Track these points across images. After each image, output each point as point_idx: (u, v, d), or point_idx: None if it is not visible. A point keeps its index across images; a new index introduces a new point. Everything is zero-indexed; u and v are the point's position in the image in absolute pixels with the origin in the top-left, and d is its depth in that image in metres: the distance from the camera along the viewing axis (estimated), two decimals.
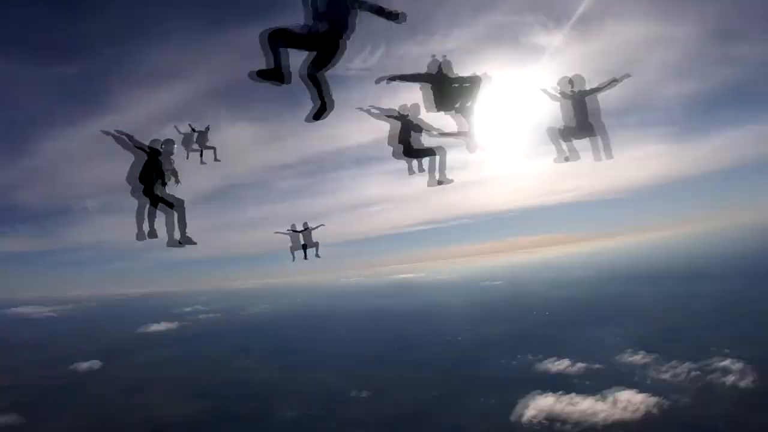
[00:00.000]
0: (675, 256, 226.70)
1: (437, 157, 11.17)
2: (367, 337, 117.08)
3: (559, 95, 10.75)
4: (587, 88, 10.41)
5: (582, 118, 10.44)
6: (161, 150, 10.52)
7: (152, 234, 10.49)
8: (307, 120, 8.23)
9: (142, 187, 10.10)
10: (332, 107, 8.07)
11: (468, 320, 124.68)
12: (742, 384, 64.59)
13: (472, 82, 9.70)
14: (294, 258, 21.16)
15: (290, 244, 21.21)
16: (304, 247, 21.08)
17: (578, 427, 60.12)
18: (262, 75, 6.77)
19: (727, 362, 70.82)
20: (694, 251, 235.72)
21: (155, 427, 68.86)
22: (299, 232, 20.97)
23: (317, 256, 21.24)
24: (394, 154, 11.12)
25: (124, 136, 9.78)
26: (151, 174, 10.19)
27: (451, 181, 11.44)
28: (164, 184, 10.64)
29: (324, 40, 6.95)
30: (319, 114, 8.07)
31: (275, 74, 6.79)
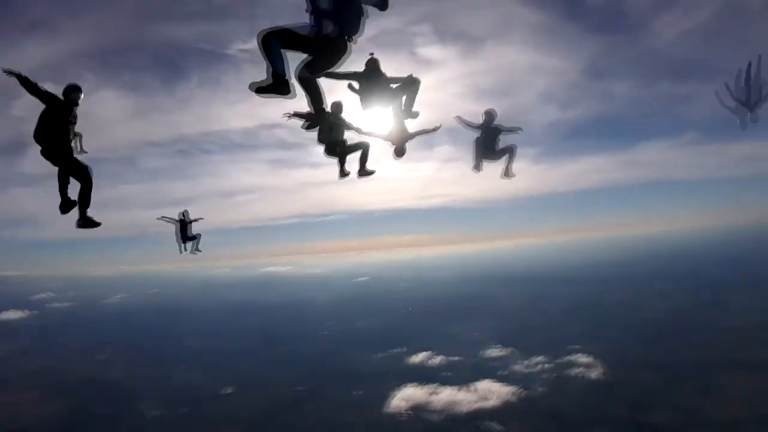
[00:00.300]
0: (532, 262, 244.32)
1: (360, 151, 11.40)
2: (232, 331, 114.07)
3: (471, 125, 12.19)
4: (495, 123, 12.18)
5: (490, 145, 12.23)
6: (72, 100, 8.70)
7: (68, 205, 9.04)
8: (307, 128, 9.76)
9: (41, 149, 8.42)
10: (324, 114, 8.44)
11: (335, 315, 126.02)
12: (593, 375, 71.30)
13: (409, 82, 9.48)
14: (181, 250, 19.41)
15: (175, 233, 19.16)
16: (184, 238, 19.19)
17: (442, 414, 63.02)
18: (264, 90, 6.32)
19: (577, 356, 78.00)
20: (550, 259, 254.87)
21: (8, 431, 61.58)
22: (179, 221, 18.92)
23: (197, 250, 19.48)
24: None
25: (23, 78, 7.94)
26: (58, 132, 8.45)
27: (374, 171, 11.77)
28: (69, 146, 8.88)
29: (329, 42, 6.39)
30: (314, 125, 9.12)
31: (278, 86, 6.29)
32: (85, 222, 9.09)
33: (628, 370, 68.34)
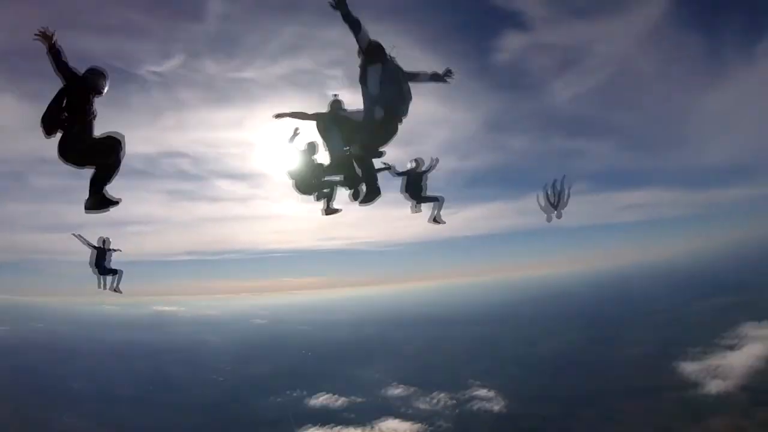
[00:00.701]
0: (430, 305, 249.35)
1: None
2: (120, 375, 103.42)
3: (398, 172, 12.54)
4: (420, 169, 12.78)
5: (416, 191, 12.72)
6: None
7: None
8: (360, 203, 8.99)
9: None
10: (379, 194, 8.48)
11: (231, 359, 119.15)
12: (495, 409, 73.07)
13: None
14: (100, 285, 15.98)
15: (89, 262, 15.61)
16: (101, 271, 15.72)
17: None
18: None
19: (479, 391, 79.31)
20: (447, 301, 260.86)
21: None
22: (96, 248, 15.51)
23: (116, 290, 16.14)
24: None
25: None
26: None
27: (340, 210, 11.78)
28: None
29: (380, 126, 7.00)
30: (369, 199, 8.52)
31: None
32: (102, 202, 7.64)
33: (530, 403, 69.92)
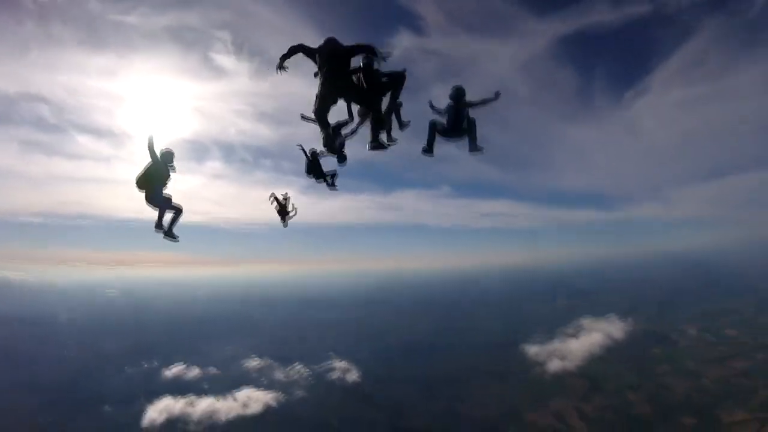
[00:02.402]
0: (290, 287, 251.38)
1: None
2: None
3: (440, 110, 11.46)
4: (465, 100, 11.09)
5: (456, 125, 11.12)
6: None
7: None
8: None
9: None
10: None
11: (82, 332, 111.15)
12: (350, 379, 77.31)
13: (397, 78, 10.09)
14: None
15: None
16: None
17: (201, 425, 62.35)
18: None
19: (336, 364, 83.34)
20: (308, 285, 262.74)
21: None
22: None
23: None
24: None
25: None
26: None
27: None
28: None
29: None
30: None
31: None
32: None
33: (386, 381, 73.72)
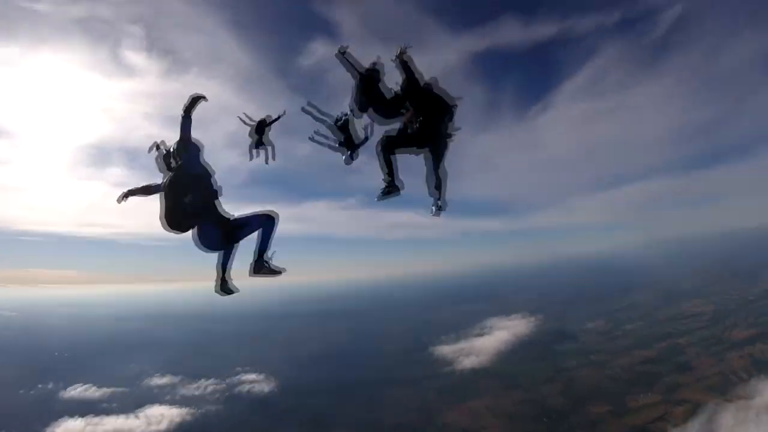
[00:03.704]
0: (197, 303, 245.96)
1: None
2: None
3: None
4: None
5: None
6: None
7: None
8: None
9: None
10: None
11: None
12: (264, 390, 76.37)
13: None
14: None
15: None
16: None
17: None
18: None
19: (248, 376, 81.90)
20: (211, 300, 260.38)
21: None
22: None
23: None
24: None
25: None
26: None
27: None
28: None
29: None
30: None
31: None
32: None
33: (301, 392, 72.66)
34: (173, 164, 6.53)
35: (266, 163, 10.76)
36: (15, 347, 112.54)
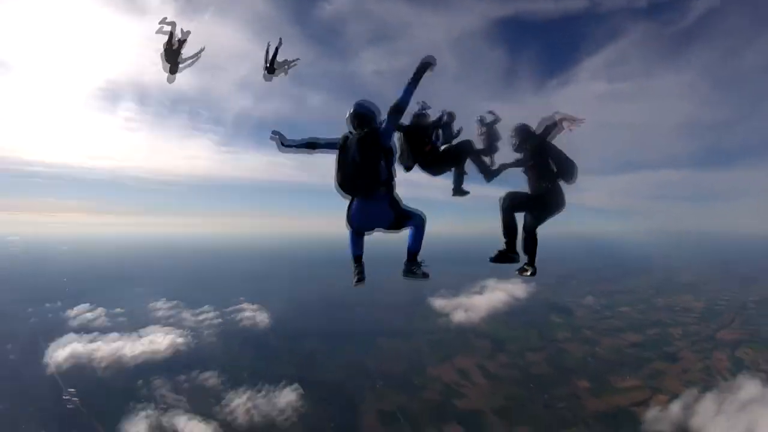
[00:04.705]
0: (203, 237, 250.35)
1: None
2: None
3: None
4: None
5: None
6: None
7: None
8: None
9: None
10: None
11: None
12: (259, 322, 79.70)
13: None
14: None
15: None
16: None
17: (109, 365, 61.24)
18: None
19: (246, 308, 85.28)
20: (221, 238, 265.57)
21: None
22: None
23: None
24: None
25: None
26: None
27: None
28: None
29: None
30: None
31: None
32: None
33: (298, 333, 74.39)
34: (356, 131, 6.33)
35: (285, 74, 11.30)
36: (25, 270, 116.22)
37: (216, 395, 54.43)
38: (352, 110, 6.46)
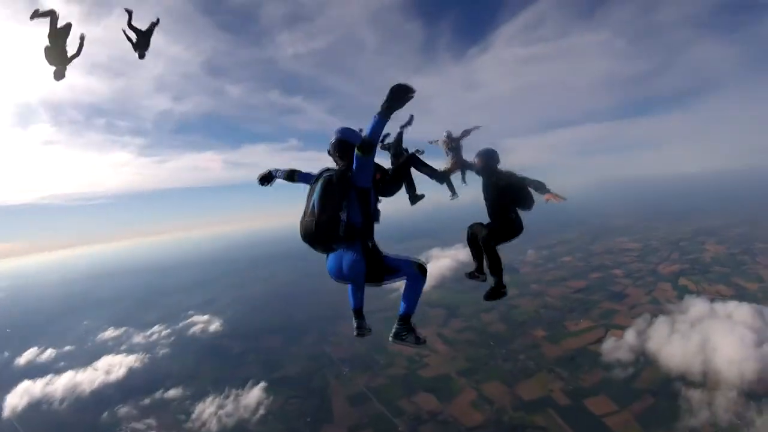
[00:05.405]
0: (139, 258, 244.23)
1: None
2: None
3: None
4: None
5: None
6: None
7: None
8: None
9: None
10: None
11: None
12: (212, 329, 79.75)
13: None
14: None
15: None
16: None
17: (65, 401, 59.84)
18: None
19: (196, 318, 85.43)
20: (154, 253, 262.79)
21: None
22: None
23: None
24: None
25: None
26: None
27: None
28: None
29: None
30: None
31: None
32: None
33: (253, 333, 74.56)
34: (340, 163, 5.53)
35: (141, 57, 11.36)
36: None
37: (184, 410, 53.88)
38: (333, 138, 5.60)
